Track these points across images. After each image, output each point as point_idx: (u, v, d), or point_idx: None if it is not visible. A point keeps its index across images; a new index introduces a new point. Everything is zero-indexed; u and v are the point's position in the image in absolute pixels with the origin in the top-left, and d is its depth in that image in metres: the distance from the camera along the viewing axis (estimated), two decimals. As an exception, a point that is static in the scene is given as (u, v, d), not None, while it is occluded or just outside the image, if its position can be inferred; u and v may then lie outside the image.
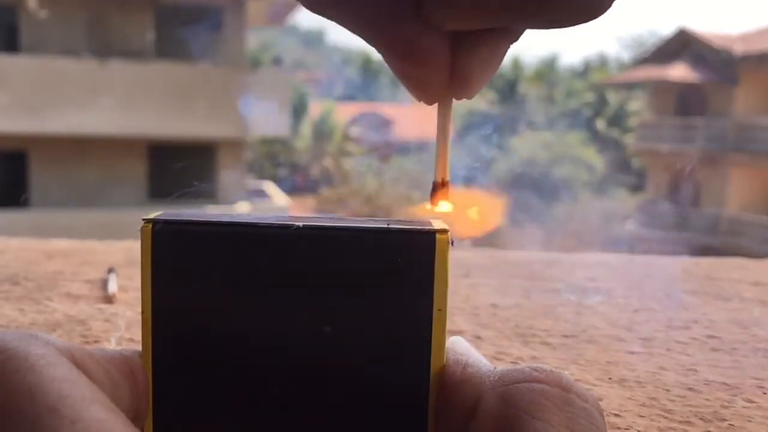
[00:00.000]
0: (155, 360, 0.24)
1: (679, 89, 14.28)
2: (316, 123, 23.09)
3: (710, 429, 0.39)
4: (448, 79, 0.26)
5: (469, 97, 0.27)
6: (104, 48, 9.42)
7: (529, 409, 0.22)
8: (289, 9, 11.10)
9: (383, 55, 0.26)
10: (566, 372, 0.46)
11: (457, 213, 0.29)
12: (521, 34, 0.25)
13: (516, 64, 26.06)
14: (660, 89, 14.78)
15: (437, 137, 0.28)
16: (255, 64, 13.57)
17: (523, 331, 0.54)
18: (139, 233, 0.25)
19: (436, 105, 0.27)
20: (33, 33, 9.38)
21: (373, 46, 0.25)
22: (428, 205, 0.28)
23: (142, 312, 0.25)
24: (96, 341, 0.49)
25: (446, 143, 0.28)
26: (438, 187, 0.28)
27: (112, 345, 0.49)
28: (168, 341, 0.24)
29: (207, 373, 0.24)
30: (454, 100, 0.28)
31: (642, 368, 0.47)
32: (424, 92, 0.27)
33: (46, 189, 9.52)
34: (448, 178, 0.28)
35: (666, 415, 0.40)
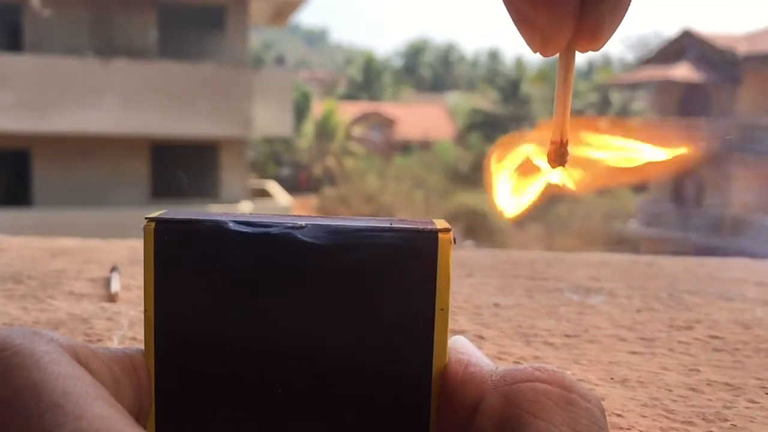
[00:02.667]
0: (158, 358, 0.25)
1: (682, 89, 14.26)
2: (319, 122, 23.09)
3: (712, 429, 0.39)
4: (573, 27, 0.24)
5: (596, 48, 0.25)
6: (107, 47, 9.43)
7: (531, 409, 0.22)
8: (292, 8, 11.10)
9: None
10: (568, 372, 0.46)
11: (575, 170, 0.26)
12: None
13: (519, 64, 26.04)
14: (663, 90, 14.76)
15: (557, 93, 0.26)
16: (257, 63, 13.56)
17: (526, 331, 0.54)
18: (141, 232, 0.25)
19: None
20: (36, 32, 9.39)
21: None
22: (545, 165, 0.26)
23: (145, 310, 0.25)
24: (99, 340, 0.49)
25: (567, 100, 0.26)
26: (556, 147, 0.26)
27: (114, 343, 0.49)
28: (170, 340, 0.24)
29: (209, 372, 0.24)
30: (577, 52, 0.25)
31: (644, 368, 0.47)
32: (547, 41, 0.24)
33: (49, 188, 9.54)
34: (567, 137, 0.26)
35: (668, 415, 0.40)
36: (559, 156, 0.26)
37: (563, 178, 0.27)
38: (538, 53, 0.25)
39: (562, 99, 0.26)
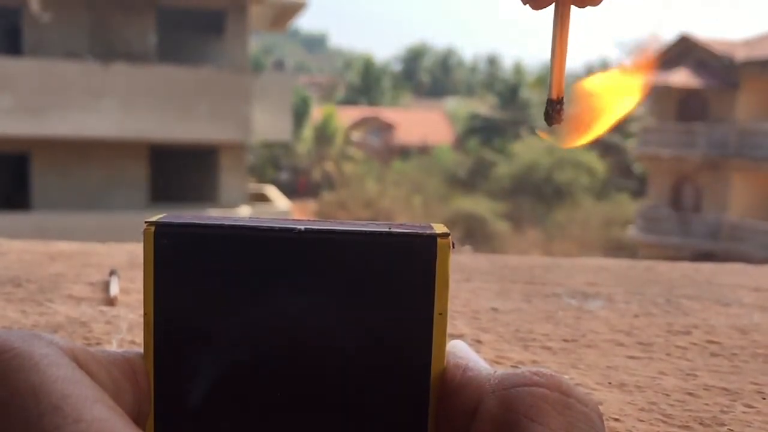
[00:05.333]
0: (157, 361, 0.25)
1: (680, 95, 14.28)
2: (318, 127, 23.10)
3: (709, 434, 0.39)
4: None
5: (595, 3, 0.24)
6: (107, 51, 9.44)
7: (529, 413, 0.22)
8: (291, 13, 11.11)
9: None
10: (566, 376, 0.46)
11: (572, 128, 0.26)
12: None
13: (518, 69, 26.09)
14: (661, 95, 14.77)
15: (552, 48, 0.25)
16: (257, 67, 13.58)
17: (524, 336, 0.54)
18: (140, 235, 0.25)
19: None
20: (36, 36, 9.40)
21: None
22: (544, 125, 0.26)
23: (144, 314, 0.25)
24: (98, 343, 0.49)
25: (563, 56, 0.25)
26: (553, 105, 0.26)
27: (113, 347, 0.49)
28: (169, 343, 0.25)
29: (208, 375, 0.25)
30: (573, 5, 0.25)
31: (642, 373, 0.47)
32: None
33: (48, 191, 9.53)
34: (563, 94, 0.26)
35: (665, 419, 0.40)
36: (556, 113, 0.26)
37: (560, 135, 0.27)
38: (528, 6, 0.24)
39: (559, 54, 0.25)
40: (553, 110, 0.26)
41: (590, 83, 0.26)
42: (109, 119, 9.00)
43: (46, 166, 9.56)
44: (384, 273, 0.24)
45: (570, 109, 0.26)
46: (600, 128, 0.27)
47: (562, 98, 0.26)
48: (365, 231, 0.24)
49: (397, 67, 40.61)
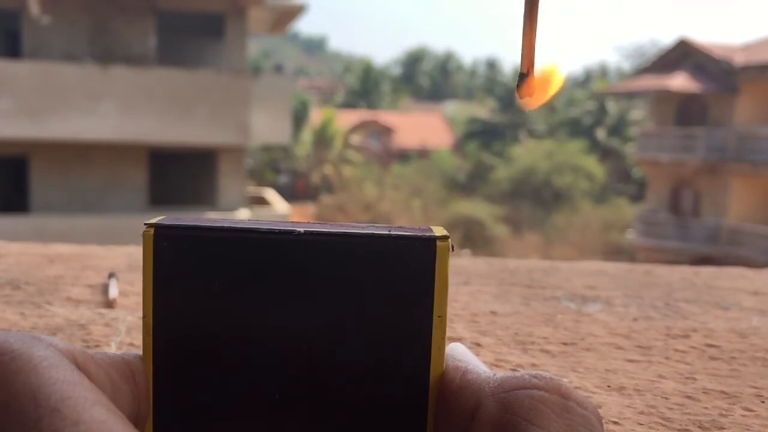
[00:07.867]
0: (156, 364, 0.25)
1: (679, 99, 14.30)
2: (317, 130, 23.10)
3: (709, 437, 0.39)
4: None
5: None
6: (106, 54, 9.44)
7: (528, 416, 0.22)
8: (291, 16, 11.12)
9: None
10: (565, 380, 0.46)
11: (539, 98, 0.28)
12: None
13: (517, 73, 26.11)
14: (660, 99, 14.79)
15: (523, 21, 0.26)
16: (256, 71, 13.59)
17: (523, 339, 0.54)
18: (139, 238, 0.25)
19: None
20: (35, 39, 9.40)
21: None
22: (517, 95, 0.28)
23: (143, 316, 0.25)
24: (96, 345, 0.49)
25: (533, 29, 0.26)
26: (523, 78, 0.27)
27: (112, 349, 0.49)
28: (169, 345, 0.25)
29: (207, 378, 0.24)
30: None
31: (641, 376, 0.47)
32: None
33: (47, 194, 9.53)
34: (533, 68, 0.27)
35: (664, 423, 0.40)
36: (527, 86, 0.27)
37: (530, 101, 0.29)
38: None
39: (529, 27, 0.27)
40: (523, 82, 0.28)
41: (547, 66, 0.29)
42: (108, 122, 9.00)
43: (45, 168, 9.56)
44: (383, 275, 0.24)
45: (535, 82, 0.28)
46: (546, 97, 0.29)
47: (532, 72, 0.27)
48: (364, 233, 0.24)
49: (397, 71, 40.67)
